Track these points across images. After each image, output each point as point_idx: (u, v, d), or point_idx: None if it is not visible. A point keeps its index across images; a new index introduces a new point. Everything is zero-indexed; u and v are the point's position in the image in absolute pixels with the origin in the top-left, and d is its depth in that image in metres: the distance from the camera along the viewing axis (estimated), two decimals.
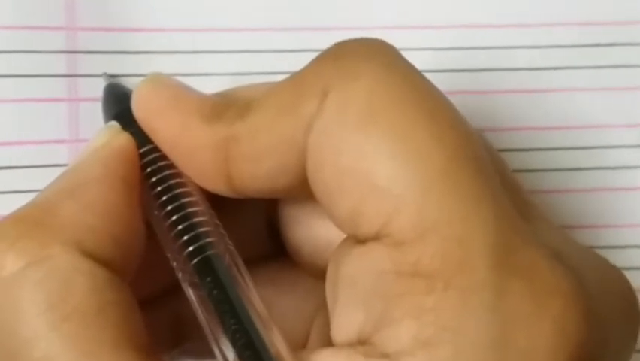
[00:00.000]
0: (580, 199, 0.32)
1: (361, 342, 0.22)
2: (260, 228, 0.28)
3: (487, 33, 0.31)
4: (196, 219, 0.24)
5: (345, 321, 0.22)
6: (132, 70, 0.30)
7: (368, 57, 0.23)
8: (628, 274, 0.25)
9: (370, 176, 0.22)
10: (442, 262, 0.21)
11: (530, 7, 0.32)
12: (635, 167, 0.32)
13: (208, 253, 0.23)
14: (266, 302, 0.23)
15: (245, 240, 0.25)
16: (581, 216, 0.31)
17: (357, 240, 0.23)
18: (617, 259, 0.25)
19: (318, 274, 0.26)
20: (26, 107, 0.30)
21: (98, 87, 0.30)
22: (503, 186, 0.23)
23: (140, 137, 0.25)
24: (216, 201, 0.25)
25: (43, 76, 0.30)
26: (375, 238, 0.22)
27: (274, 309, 0.24)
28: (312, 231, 0.26)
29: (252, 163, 0.24)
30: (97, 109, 0.29)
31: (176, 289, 0.27)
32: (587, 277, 0.23)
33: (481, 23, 0.31)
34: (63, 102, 0.30)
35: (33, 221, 0.23)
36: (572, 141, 0.32)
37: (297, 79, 0.24)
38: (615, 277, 0.25)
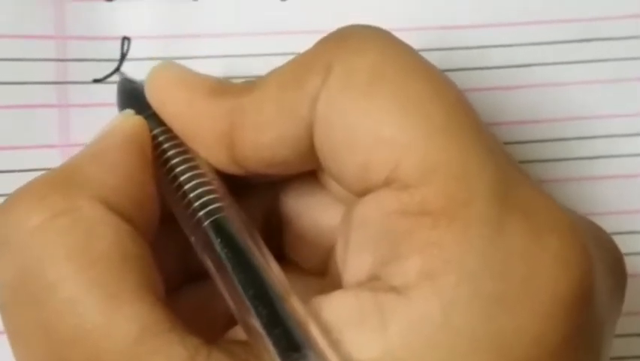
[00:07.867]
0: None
1: (370, 280, 0.23)
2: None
3: (462, 34, 0.32)
4: (206, 188, 0.25)
5: (356, 263, 0.24)
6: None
7: (371, 37, 0.25)
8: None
9: (377, 130, 0.23)
10: (446, 199, 0.22)
11: (505, 8, 0.33)
12: (625, 155, 0.32)
13: (218, 215, 0.24)
14: None
15: None
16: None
17: (367, 192, 0.24)
18: None
19: (316, 266, 0.27)
20: (18, 113, 0.31)
21: (87, 94, 0.31)
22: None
23: (153, 121, 0.27)
24: None
25: (34, 83, 0.31)
26: (384, 185, 0.23)
27: None
28: (314, 219, 0.27)
29: (256, 132, 0.25)
30: (86, 114, 0.31)
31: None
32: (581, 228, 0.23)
33: (456, 24, 0.32)
34: (53, 108, 0.31)
35: (60, 180, 0.24)
36: (545, 134, 0.32)
37: (300, 59, 0.25)
38: (604, 236, 0.26)
